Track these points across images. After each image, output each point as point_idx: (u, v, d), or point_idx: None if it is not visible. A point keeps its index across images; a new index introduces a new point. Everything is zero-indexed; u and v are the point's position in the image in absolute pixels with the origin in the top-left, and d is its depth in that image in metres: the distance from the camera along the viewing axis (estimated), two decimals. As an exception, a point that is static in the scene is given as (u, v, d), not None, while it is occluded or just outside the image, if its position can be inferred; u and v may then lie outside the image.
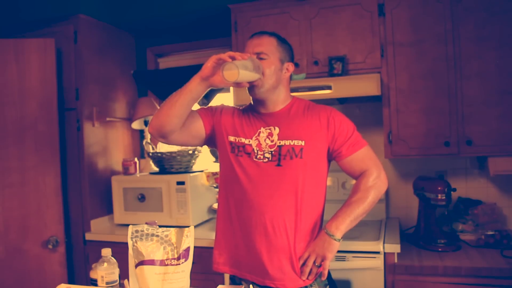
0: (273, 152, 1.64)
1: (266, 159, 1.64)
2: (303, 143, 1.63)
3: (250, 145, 1.67)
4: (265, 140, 1.66)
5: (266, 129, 1.68)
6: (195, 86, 1.58)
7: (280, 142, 1.64)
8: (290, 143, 1.63)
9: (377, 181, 1.67)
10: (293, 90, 2.31)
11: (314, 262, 1.61)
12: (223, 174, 1.77)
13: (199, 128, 1.74)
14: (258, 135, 1.68)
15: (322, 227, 1.66)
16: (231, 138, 1.71)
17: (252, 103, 1.77)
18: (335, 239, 1.60)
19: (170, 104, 1.60)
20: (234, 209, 1.69)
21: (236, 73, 1.47)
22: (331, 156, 1.70)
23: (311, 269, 1.61)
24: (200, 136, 1.76)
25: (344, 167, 1.71)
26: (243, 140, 1.69)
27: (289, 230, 1.62)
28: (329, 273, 1.72)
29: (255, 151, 1.66)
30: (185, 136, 1.71)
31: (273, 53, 1.65)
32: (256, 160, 1.65)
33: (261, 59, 1.63)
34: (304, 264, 1.62)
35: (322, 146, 1.66)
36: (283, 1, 2.64)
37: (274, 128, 1.67)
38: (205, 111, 1.78)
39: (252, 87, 1.64)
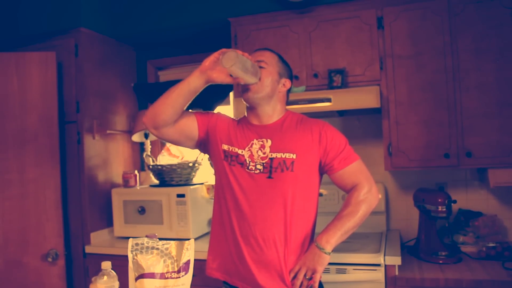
0: (264, 164, 1.65)
1: (258, 171, 1.66)
2: (294, 156, 1.64)
3: (243, 155, 1.69)
4: (257, 151, 1.68)
5: (258, 141, 1.70)
6: (193, 79, 1.61)
7: (271, 155, 1.66)
8: (281, 156, 1.65)
9: (368, 195, 1.67)
10: (293, 102, 2.32)
11: (305, 275, 1.61)
12: (218, 180, 1.78)
13: (193, 129, 1.75)
14: (251, 146, 1.69)
15: (313, 240, 1.66)
16: (225, 147, 1.73)
17: (246, 115, 1.79)
18: (325, 253, 1.60)
19: (167, 94, 1.64)
20: (227, 217, 1.70)
21: (234, 58, 1.50)
22: (323, 170, 1.71)
23: (301, 282, 1.62)
24: (192, 137, 1.77)
25: (335, 181, 1.72)
26: (236, 149, 1.71)
27: (279, 243, 1.62)
28: (321, 285, 1.72)
29: (247, 162, 1.67)
30: (177, 134, 1.72)
31: (273, 65, 1.71)
32: (248, 171, 1.67)
33: (261, 67, 1.68)
34: (295, 277, 1.63)
35: (313, 159, 1.67)
36: (283, 14, 2.66)
37: (267, 141, 1.69)
38: (201, 114, 1.79)
39: (247, 90, 1.67)
